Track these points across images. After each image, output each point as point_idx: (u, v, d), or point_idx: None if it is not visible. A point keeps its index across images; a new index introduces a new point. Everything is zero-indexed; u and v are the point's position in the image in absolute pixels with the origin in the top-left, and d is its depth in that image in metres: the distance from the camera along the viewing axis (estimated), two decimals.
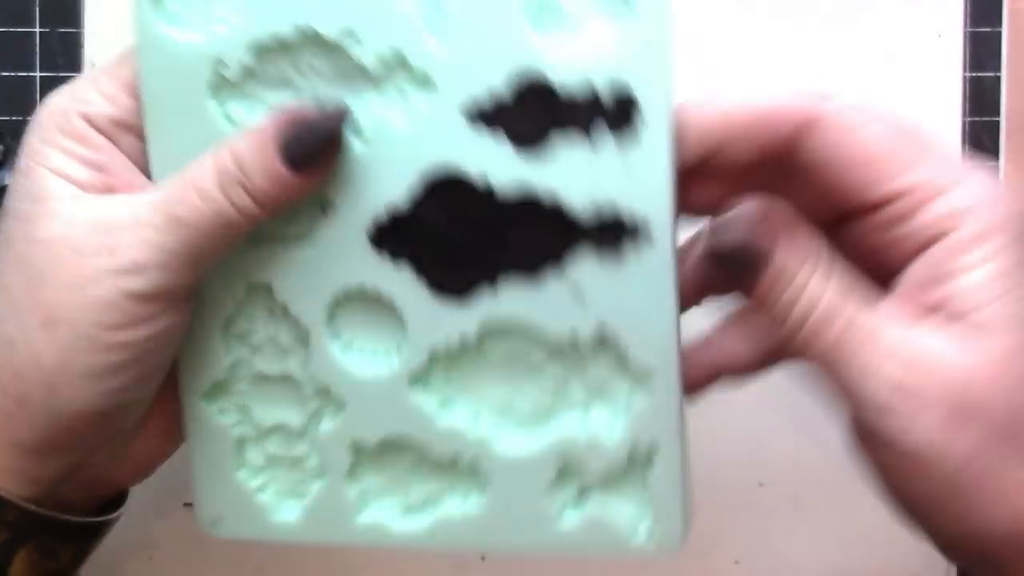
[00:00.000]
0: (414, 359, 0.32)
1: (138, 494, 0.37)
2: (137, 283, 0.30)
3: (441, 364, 0.33)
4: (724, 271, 0.29)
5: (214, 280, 0.33)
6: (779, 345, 0.32)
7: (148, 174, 0.32)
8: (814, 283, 0.28)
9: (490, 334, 0.32)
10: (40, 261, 0.30)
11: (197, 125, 0.31)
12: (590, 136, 0.30)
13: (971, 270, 0.27)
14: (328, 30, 0.31)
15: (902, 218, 0.28)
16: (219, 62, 0.31)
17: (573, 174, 0.31)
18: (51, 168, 0.31)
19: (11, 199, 0.32)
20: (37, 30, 0.46)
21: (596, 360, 0.33)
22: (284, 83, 0.31)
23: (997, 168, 0.46)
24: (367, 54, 0.31)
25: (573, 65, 0.30)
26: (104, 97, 0.32)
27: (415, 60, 0.31)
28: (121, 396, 0.31)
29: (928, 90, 0.46)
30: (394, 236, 0.32)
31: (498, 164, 0.31)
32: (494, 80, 0.30)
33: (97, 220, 0.30)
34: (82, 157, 0.31)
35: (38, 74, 0.46)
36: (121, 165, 0.32)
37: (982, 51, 0.46)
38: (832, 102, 0.29)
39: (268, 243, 0.33)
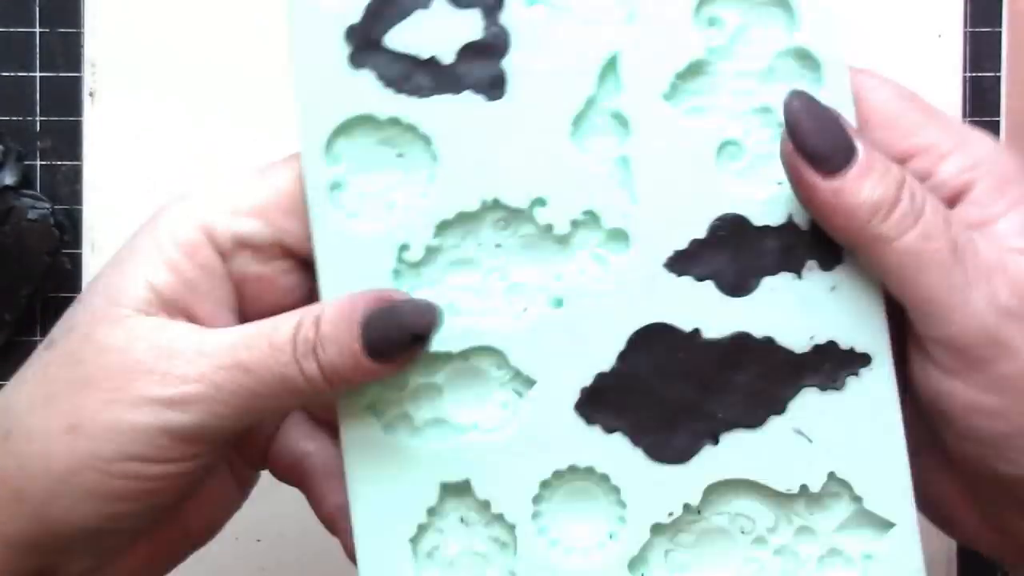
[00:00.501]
0: (633, 538, 0.31)
1: None
2: (178, 419, 0.28)
3: (662, 539, 0.31)
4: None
5: (400, 485, 0.31)
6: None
7: (247, 310, 0.31)
8: (911, 180, 0.29)
9: (712, 500, 0.31)
10: (90, 364, 0.29)
11: None
12: (798, 272, 0.30)
13: (1001, 218, 0.29)
14: (517, 202, 0.30)
15: (918, 178, 0.30)
16: (403, 247, 0.30)
17: (785, 311, 0.30)
18: (141, 272, 0.30)
19: (93, 285, 0.30)
20: (37, 30, 0.46)
21: (826, 516, 0.31)
22: (465, 263, 0.31)
23: None
24: (558, 218, 0.30)
25: (772, 203, 0.30)
26: (233, 212, 0.30)
27: (610, 221, 0.30)
28: (120, 522, 0.29)
29: (928, 90, 0.45)
30: (604, 404, 0.30)
31: (706, 312, 0.30)
32: (694, 230, 0.30)
33: (161, 343, 0.29)
34: (178, 270, 0.30)
35: (38, 74, 0.46)
36: (213, 294, 0.30)
37: (982, 51, 0.46)
38: None
39: (457, 435, 0.31)
